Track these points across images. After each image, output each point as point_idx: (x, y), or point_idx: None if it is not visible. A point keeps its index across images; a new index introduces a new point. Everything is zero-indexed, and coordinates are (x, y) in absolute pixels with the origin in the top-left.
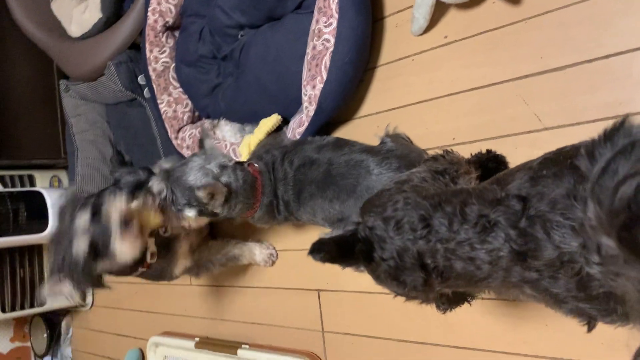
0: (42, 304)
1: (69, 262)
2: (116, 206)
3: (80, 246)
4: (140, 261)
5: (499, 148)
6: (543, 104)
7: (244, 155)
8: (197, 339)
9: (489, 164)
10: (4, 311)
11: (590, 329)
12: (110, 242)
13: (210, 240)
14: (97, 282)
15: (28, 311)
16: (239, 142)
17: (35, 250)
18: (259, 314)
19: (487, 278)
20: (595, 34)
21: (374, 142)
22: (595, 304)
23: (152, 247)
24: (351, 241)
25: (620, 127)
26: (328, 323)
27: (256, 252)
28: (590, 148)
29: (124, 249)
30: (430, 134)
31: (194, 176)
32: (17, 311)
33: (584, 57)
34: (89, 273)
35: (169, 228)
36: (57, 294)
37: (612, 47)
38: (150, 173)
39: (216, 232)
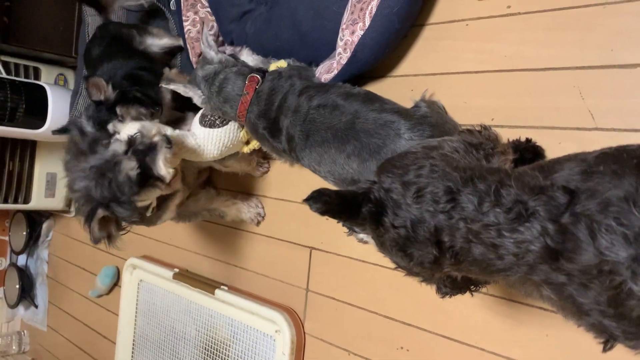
0: (27, 202)
1: (116, 188)
2: (159, 127)
3: (130, 166)
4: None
5: (540, 139)
6: (601, 101)
7: None
8: (176, 270)
9: (526, 154)
10: None
11: (607, 349)
12: (156, 161)
13: (201, 191)
14: (137, 215)
15: (11, 206)
16: None
17: (28, 146)
18: (245, 259)
19: (506, 270)
20: None
21: (406, 105)
22: (623, 324)
23: (154, 202)
24: (360, 199)
25: None
26: (314, 283)
27: (243, 210)
28: None
29: (168, 169)
30: (468, 109)
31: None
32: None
33: None
34: (132, 202)
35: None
36: (102, 234)
37: None
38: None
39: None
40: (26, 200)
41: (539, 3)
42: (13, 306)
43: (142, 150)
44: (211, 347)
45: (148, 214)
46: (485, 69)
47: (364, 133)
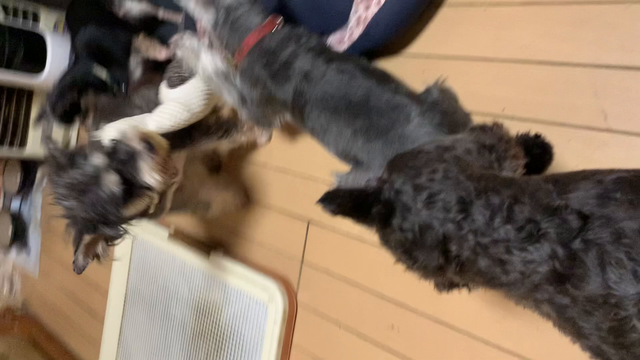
0: (22, 147)
1: (101, 207)
2: (134, 131)
3: (111, 181)
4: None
5: (549, 135)
6: (615, 102)
7: None
8: (171, 229)
9: (534, 150)
10: None
11: None
12: (140, 170)
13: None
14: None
15: (6, 150)
16: None
17: (25, 93)
18: (242, 225)
19: (510, 285)
20: None
21: (415, 86)
22: (622, 352)
23: (155, 199)
24: (371, 200)
25: None
26: (310, 255)
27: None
28: None
29: (155, 176)
30: (479, 97)
31: None
32: None
33: None
34: (120, 217)
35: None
36: (86, 261)
37: None
38: None
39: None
40: (21, 146)
41: None
42: (5, 250)
43: (123, 160)
44: (203, 309)
45: (151, 211)
46: (500, 58)
47: (376, 112)
